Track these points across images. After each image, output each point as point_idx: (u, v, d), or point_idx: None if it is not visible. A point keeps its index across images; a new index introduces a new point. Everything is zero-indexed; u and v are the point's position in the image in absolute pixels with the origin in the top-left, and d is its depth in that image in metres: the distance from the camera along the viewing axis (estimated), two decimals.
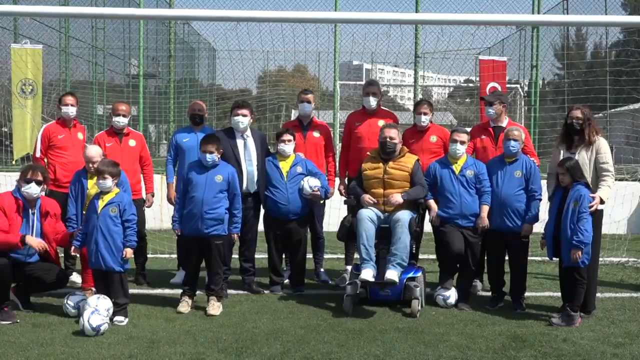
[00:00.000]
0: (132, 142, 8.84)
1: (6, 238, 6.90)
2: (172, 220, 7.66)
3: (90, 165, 7.58)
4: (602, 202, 7.29)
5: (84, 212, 7.54)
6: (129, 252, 7.09)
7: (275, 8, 14.56)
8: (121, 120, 8.70)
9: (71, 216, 7.62)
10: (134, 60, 19.64)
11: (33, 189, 7.12)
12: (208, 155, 7.34)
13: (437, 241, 8.10)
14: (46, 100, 13.28)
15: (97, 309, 6.54)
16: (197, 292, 8.02)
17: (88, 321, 6.38)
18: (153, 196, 9.18)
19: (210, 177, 7.37)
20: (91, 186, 7.62)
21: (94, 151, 7.74)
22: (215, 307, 7.31)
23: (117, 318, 6.88)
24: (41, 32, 18.81)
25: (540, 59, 16.41)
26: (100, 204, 6.99)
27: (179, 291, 8.19)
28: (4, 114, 14.60)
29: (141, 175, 8.99)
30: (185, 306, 7.41)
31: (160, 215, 13.00)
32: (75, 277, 8.20)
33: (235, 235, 7.90)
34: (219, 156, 7.56)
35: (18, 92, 11.99)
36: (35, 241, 7.03)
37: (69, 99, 8.85)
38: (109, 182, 6.96)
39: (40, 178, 7.16)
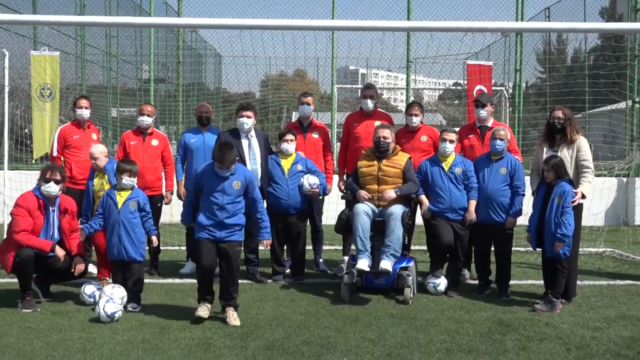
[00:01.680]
0: (154, 142, 8.88)
1: (40, 244, 6.99)
2: (182, 215, 7.44)
3: (93, 161, 7.63)
4: (583, 197, 7.31)
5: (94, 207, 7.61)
6: (154, 240, 7.36)
7: (277, 16, 14.56)
8: (146, 120, 8.79)
9: (85, 210, 7.65)
10: (145, 65, 19.61)
11: (52, 188, 7.13)
12: (226, 171, 6.47)
13: (428, 233, 8.11)
14: (63, 103, 13.25)
15: (112, 298, 6.56)
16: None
17: (103, 309, 6.40)
18: (172, 194, 9.19)
19: (228, 184, 6.53)
20: (97, 183, 7.68)
21: (96, 149, 7.81)
22: (235, 318, 6.47)
23: (131, 305, 6.92)
24: (59, 39, 18.79)
25: (523, 64, 16.42)
26: (120, 199, 7.06)
27: (188, 281, 8.25)
28: (25, 116, 14.59)
29: (162, 174, 9.05)
30: (205, 310, 6.53)
31: (170, 209, 13.00)
32: (91, 268, 8.20)
33: (267, 242, 7.17)
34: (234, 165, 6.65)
35: (37, 96, 11.98)
36: (61, 252, 7.08)
37: (83, 102, 8.91)
38: (129, 180, 7.08)
39: (58, 177, 7.17)
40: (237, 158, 6.84)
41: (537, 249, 7.51)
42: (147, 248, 7.59)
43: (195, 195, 6.73)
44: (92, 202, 7.68)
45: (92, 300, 7.08)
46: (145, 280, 7.83)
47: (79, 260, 7.33)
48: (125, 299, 6.82)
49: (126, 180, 7.06)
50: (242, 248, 8.55)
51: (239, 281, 8.46)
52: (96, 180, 7.76)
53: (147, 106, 8.96)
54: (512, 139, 8.24)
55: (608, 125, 17.91)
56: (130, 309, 6.88)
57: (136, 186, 7.25)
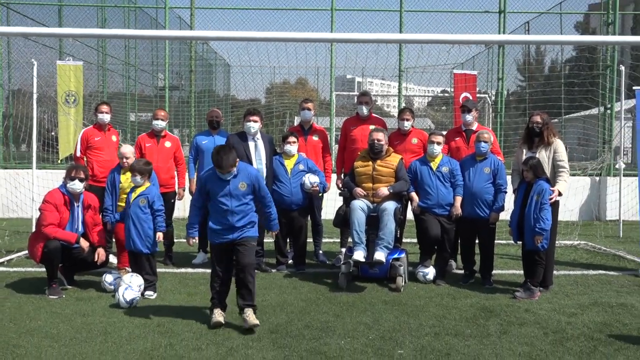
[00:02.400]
0: (167, 144, 8.90)
1: (66, 236, 7.06)
2: (188, 228, 6.18)
3: (124, 160, 7.64)
4: (560, 194, 7.32)
5: (118, 203, 7.64)
6: (160, 236, 7.17)
7: (280, 30, 14.55)
8: (160, 123, 8.82)
9: (108, 206, 7.66)
10: (160, 74, 19.59)
11: (77, 185, 7.17)
12: (228, 175, 5.80)
13: (418, 227, 8.10)
14: (87, 109, 13.24)
15: (130, 285, 6.59)
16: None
17: (122, 296, 6.44)
18: (184, 191, 9.20)
19: (234, 186, 5.83)
20: (124, 180, 7.67)
21: (127, 149, 7.81)
22: (253, 317, 5.75)
23: (148, 292, 6.93)
24: (82, 50, 18.78)
25: (505, 73, 16.40)
26: (133, 196, 7.07)
27: (200, 270, 8.26)
28: (51, 120, 14.59)
29: (175, 172, 9.05)
30: (220, 315, 5.91)
31: (183, 205, 13.01)
32: (112, 259, 8.21)
33: (275, 233, 6.72)
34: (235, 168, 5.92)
35: (63, 102, 11.97)
36: (85, 244, 7.18)
37: (104, 108, 8.95)
38: (138, 178, 7.03)
39: (82, 176, 7.24)
40: (238, 160, 5.88)
41: (518, 242, 7.52)
42: (162, 241, 7.57)
43: (202, 198, 6.01)
44: (117, 198, 7.69)
45: (112, 287, 7.12)
46: (160, 270, 7.85)
47: (101, 251, 7.38)
48: (142, 287, 6.83)
49: (134, 177, 7.07)
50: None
51: None
52: (124, 177, 7.75)
53: (161, 111, 8.99)
54: (494, 142, 8.25)
55: (582, 129, 17.89)
56: (146, 296, 6.90)
57: (148, 183, 7.21)
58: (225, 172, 5.74)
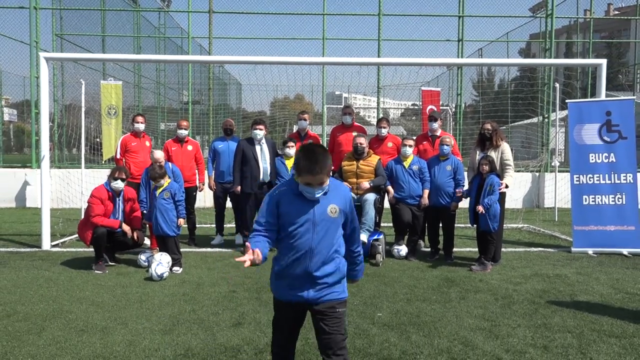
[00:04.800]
0: (189, 147, 8.91)
1: (111, 223, 7.15)
2: (251, 243, 2.95)
3: (157, 164, 7.62)
4: (507, 186, 7.33)
5: (146, 198, 7.69)
6: (181, 221, 7.15)
7: (282, 54, 14.48)
8: (183, 132, 8.85)
9: (142, 199, 7.65)
10: (185, 91, 19.53)
11: (119, 184, 7.22)
12: (317, 190, 2.87)
13: (393, 214, 8.09)
14: (125, 119, 13.17)
15: (161, 262, 6.55)
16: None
17: (155, 270, 6.41)
18: (204, 185, 9.19)
19: (321, 210, 2.91)
20: None
21: (159, 155, 7.79)
22: None
23: (175, 268, 6.93)
24: (121, 72, 18.74)
25: (463, 89, 16.42)
26: (158, 191, 7.08)
27: (217, 250, 8.23)
28: (96, 129, 14.52)
29: (196, 170, 9.05)
30: None
31: (203, 197, 12.96)
32: (146, 241, 8.18)
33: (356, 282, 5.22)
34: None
35: (105, 114, 11.92)
36: (127, 228, 7.27)
37: (140, 118, 8.91)
38: (162, 181, 7.06)
39: (124, 176, 7.29)
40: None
41: (473, 225, 7.52)
42: (185, 226, 7.58)
43: (271, 220, 2.93)
44: (150, 191, 7.68)
45: (146, 264, 7.11)
46: (184, 250, 7.84)
47: (139, 232, 7.43)
48: (170, 263, 6.81)
49: (159, 182, 7.07)
50: None
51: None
52: None
53: (183, 121, 8.96)
54: (455, 145, 8.25)
55: (525, 134, 17.94)
56: (174, 271, 6.88)
57: (168, 180, 7.22)
58: (317, 184, 2.84)
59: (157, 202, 7.03)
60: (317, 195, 2.87)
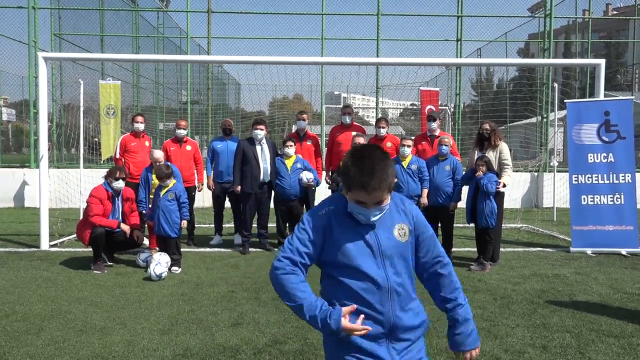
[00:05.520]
0: (188, 147, 8.89)
1: (109, 223, 7.14)
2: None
3: (157, 164, 7.62)
4: (504, 185, 7.34)
5: (150, 196, 7.61)
6: (185, 223, 7.15)
7: (281, 54, 14.48)
8: (182, 132, 8.82)
9: (141, 199, 7.65)
10: (183, 91, 19.52)
11: (120, 184, 7.26)
12: (375, 212, 2.04)
13: None
14: (123, 119, 13.16)
15: (160, 262, 6.55)
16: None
17: (153, 271, 6.41)
18: (202, 185, 9.17)
19: (386, 235, 2.11)
20: (155, 178, 7.65)
21: (159, 154, 7.83)
22: None
23: (174, 268, 6.92)
24: (120, 72, 18.73)
25: (461, 89, 16.44)
26: (162, 191, 7.05)
27: (216, 249, 8.22)
28: (95, 129, 14.50)
29: (195, 170, 9.02)
30: None
31: (202, 197, 12.96)
32: (145, 241, 8.18)
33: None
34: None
35: (104, 113, 11.90)
36: (126, 227, 7.23)
37: (139, 118, 8.90)
38: (168, 181, 7.03)
39: (123, 176, 7.31)
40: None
41: (470, 223, 7.48)
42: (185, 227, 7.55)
43: (313, 251, 2.16)
44: (148, 192, 7.68)
45: (144, 264, 7.11)
46: (183, 249, 7.83)
47: (138, 232, 7.41)
48: (169, 263, 6.80)
49: (165, 182, 7.03)
50: (255, 225, 8.57)
51: (254, 250, 8.44)
52: (155, 176, 7.74)
53: (182, 121, 8.93)
54: (453, 145, 8.24)
55: (524, 134, 17.95)
56: (173, 271, 6.87)
57: (174, 180, 7.15)
58: (372, 202, 2.03)
59: (161, 202, 6.99)
60: (374, 219, 2.06)
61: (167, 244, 7.02)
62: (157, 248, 7.47)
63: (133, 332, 4.60)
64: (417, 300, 2.23)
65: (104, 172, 7.64)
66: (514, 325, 4.83)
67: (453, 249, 7.96)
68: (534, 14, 19.91)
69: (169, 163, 7.84)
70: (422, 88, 14.03)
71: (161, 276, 6.44)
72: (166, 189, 7.04)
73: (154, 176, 7.66)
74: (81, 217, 7.61)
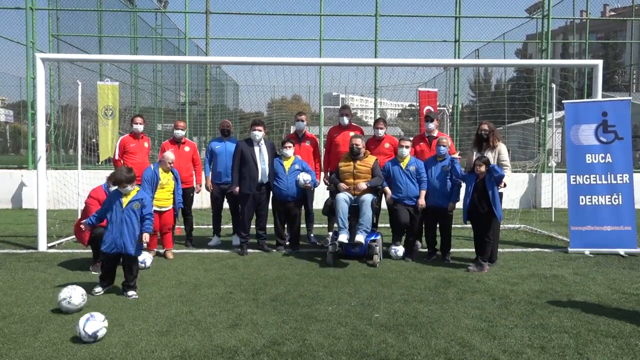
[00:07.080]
0: (187, 148, 8.84)
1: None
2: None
3: (168, 164, 7.59)
4: (504, 185, 7.33)
5: (152, 196, 7.44)
6: (146, 236, 5.84)
7: (279, 55, 14.51)
8: (180, 132, 8.77)
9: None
10: (182, 92, 19.53)
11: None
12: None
13: (390, 215, 8.09)
14: (122, 120, 13.15)
15: (93, 315, 4.49)
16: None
17: (83, 329, 4.36)
18: (201, 186, 9.14)
19: None
20: (163, 177, 7.62)
21: (173, 156, 7.81)
22: None
23: (130, 292, 5.81)
24: (118, 73, 18.71)
25: (459, 90, 16.45)
26: (125, 200, 5.80)
27: (214, 251, 8.21)
28: (93, 130, 14.48)
29: (193, 171, 8.98)
30: None
31: (201, 198, 12.95)
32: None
33: None
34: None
35: (102, 114, 11.88)
36: None
37: (138, 119, 8.87)
38: (129, 187, 5.81)
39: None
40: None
41: (466, 222, 7.45)
42: (183, 227, 7.45)
43: None
44: (154, 191, 7.58)
45: (143, 265, 6.93)
46: (182, 250, 7.82)
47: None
48: (85, 296, 5.31)
49: (125, 189, 5.81)
50: (253, 226, 8.55)
51: (252, 251, 8.43)
52: (164, 175, 7.70)
53: (180, 122, 8.89)
54: (451, 146, 8.24)
55: (522, 135, 17.97)
56: (130, 296, 5.77)
57: (137, 187, 6.00)
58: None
59: (125, 213, 5.77)
60: None
61: (129, 265, 5.85)
62: (155, 249, 7.44)
63: (131, 333, 4.59)
64: None
65: (102, 173, 7.60)
66: (512, 325, 4.82)
67: (451, 250, 7.95)
68: (532, 15, 19.93)
69: (130, 167, 6.39)
70: (420, 89, 14.01)
71: (96, 336, 4.38)
72: (129, 197, 5.83)
73: (162, 175, 7.63)
74: (79, 218, 7.55)
